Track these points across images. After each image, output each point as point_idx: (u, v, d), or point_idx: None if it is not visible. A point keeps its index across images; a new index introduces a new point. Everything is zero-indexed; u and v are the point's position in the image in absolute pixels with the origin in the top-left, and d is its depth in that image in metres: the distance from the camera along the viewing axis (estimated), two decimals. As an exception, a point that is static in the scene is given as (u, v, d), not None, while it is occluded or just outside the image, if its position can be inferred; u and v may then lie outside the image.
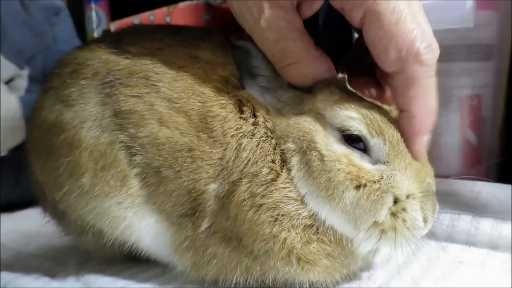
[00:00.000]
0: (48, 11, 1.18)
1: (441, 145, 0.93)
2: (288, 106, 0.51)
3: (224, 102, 0.50)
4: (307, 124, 0.49)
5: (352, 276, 0.53)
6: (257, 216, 0.47)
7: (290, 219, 0.48)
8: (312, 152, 0.47)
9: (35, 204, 0.65)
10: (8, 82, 1.07)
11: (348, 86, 0.52)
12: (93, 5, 1.87)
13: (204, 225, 0.50)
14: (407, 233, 0.46)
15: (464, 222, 0.63)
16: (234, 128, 0.49)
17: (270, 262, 0.48)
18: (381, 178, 0.46)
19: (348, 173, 0.46)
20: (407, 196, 0.46)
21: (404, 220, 0.46)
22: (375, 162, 0.47)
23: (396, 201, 0.46)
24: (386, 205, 0.46)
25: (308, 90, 0.50)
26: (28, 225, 0.85)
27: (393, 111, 0.50)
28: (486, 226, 0.61)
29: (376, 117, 0.47)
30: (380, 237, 0.46)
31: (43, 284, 0.57)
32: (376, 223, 0.46)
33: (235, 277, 0.50)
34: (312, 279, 0.49)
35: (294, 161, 0.48)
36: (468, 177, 0.81)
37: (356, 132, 0.47)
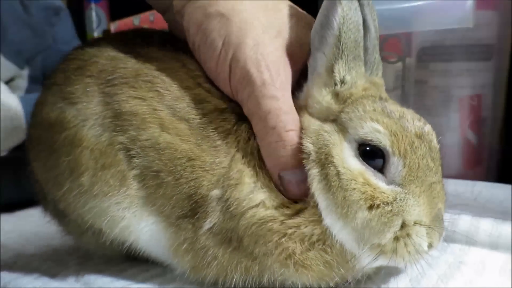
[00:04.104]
0: (48, 11, 1.18)
1: (441, 145, 0.92)
2: (320, 109, 0.50)
3: (227, 116, 0.51)
4: (326, 135, 0.47)
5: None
6: (265, 233, 0.47)
7: (301, 235, 0.47)
8: (330, 166, 0.46)
9: (35, 204, 0.65)
10: (8, 82, 1.07)
11: (386, 105, 0.49)
12: (93, 5, 1.87)
13: (206, 226, 0.49)
14: (407, 257, 0.45)
15: (464, 222, 0.63)
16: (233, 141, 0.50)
17: (267, 263, 0.48)
18: (394, 200, 0.45)
19: (364, 193, 0.44)
20: (414, 223, 0.45)
21: (406, 245, 0.45)
22: (390, 182, 0.46)
23: (402, 225, 0.45)
24: (393, 229, 0.45)
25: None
26: (28, 225, 0.85)
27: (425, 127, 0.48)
28: (486, 226, 0.61)
29: (405, 139, 0.45)
30: (380, 256, 0.46)
31: (43, 284, 0.57)
32: (378, 245, 0.45)
33: (234, 278, 0.50)
34: (305, 281, 0.49)
35: (315, 172, 0.47)
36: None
37: (379, 145, 0.45)
